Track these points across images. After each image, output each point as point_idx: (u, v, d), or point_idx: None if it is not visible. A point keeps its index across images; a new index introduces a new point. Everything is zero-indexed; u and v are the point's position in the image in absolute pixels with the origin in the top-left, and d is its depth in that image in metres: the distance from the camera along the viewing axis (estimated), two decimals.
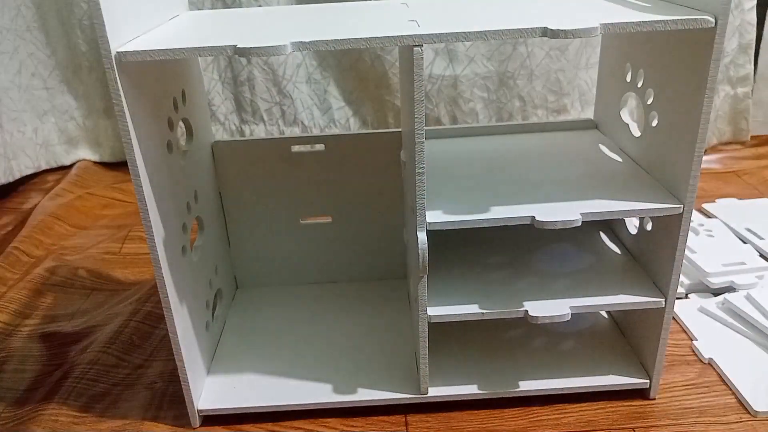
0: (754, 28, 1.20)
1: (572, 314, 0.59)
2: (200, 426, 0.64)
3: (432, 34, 0.49)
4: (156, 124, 0.57)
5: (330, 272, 0.83)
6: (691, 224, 0.76)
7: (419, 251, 0.56)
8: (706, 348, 0.70)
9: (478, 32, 0.49)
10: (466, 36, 0.49)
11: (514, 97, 1.24)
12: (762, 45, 1.27)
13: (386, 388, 0.65)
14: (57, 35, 1.22)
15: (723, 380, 0.66)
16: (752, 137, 1.30)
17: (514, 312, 0.60)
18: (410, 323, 0.74)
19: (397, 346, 0.71)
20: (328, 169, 0.77)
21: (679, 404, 0.64)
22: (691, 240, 0.87)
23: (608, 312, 0.74)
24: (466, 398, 0.64)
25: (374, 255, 0.82)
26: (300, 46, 0.49)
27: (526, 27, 0.49)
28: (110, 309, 0.83)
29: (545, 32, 0.49)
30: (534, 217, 0.55)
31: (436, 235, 0.68)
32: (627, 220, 0.69)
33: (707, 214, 0.99)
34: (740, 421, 0.61)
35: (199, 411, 0.63)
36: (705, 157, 0.87)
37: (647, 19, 0.49)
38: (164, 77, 0.60)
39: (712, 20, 0.49)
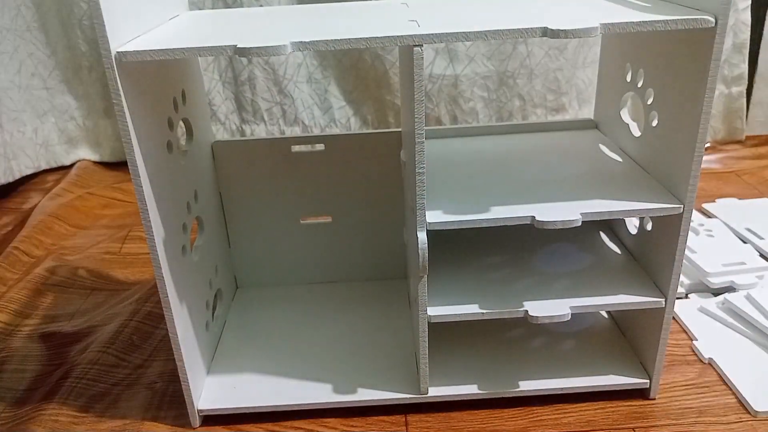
0: (749, 28, 1.21)
1: (572, 314, 0.59)
2: (200, 426, 0.64)
3: (432, 34, 0.49)
4: (156, 124, 0.57)
5: (330, 272, 0.83)
6: (691, 224, 0.76)
7: (419, 251, 0.56)
8: (706, 348, 0.70)
9: (478, 32, 0.49)
10: (466, 36, 0.49)
11: (514, 96, 1.24)
12: (762, 45, 1.27)
13: (386, 388, 0.65)
14: (57, 35, 1.22)
15: (723, 380, 0.66)
16: (752, 137, 1.31)
17: (514, 312, 0.60)
18: (410, 323, 0.74)
19: (397, 346, 0.71)
20: (328, 169, 0.77)
21: (679, 404, 0.64)
22: (691, 240, 0.87)
23: (608, 312, 0.74)
24: (466, 398, 0.64)
25: (374, 255, 0.82)
26: (300, 45, 0.49)
27: (526, 27, 0.49)
28: (110, 309, 0.83)
29: (545, 32, 0.49)
30: (534, 217, 0.55)
31: (436, 235, 0.68)
32: (627, 220, 0.68)
33: (707, 214, 0.99)
34: (740, 421, 0.61)
35: (199, 411, 0.64)
36: (705, 157, 0.87)
37: (647, 19, 0.49)
38: (164, 77, 0.60)
39: (712, 20, 0.49)
